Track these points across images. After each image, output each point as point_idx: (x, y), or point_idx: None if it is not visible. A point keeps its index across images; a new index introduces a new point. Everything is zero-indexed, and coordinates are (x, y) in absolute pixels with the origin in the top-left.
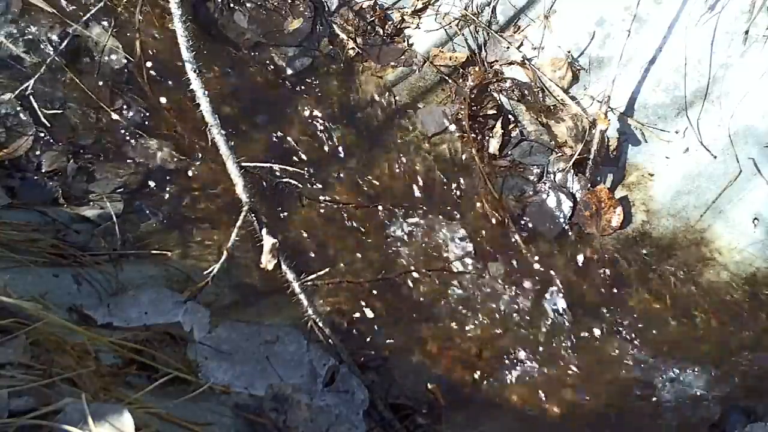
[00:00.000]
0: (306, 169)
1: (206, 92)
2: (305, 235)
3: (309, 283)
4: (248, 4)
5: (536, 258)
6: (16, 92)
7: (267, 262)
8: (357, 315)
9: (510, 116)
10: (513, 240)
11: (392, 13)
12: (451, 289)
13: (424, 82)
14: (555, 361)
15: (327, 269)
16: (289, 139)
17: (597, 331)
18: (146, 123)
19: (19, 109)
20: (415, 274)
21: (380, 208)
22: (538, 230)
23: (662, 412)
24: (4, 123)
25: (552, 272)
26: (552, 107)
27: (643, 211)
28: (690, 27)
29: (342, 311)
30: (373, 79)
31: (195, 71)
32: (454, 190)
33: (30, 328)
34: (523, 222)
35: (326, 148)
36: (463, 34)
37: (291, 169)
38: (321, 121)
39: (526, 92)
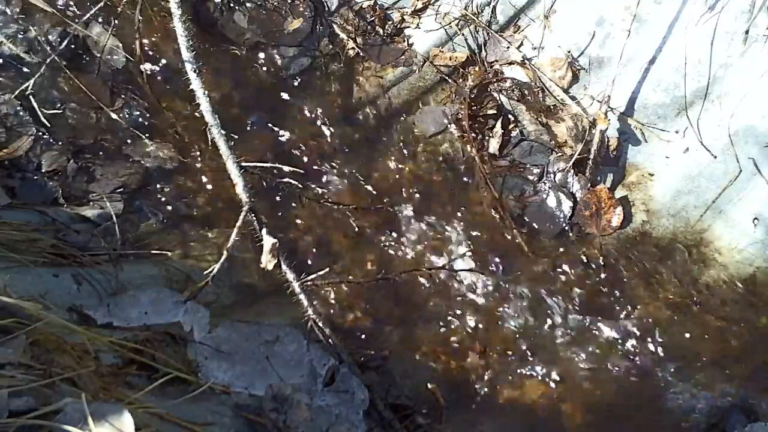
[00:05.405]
0: (306, 169)
1: (206, 92)
2: (305, 235)
3: (309, 283)
4: (248, 4)
5: (536, 258)
6: (16, 92)
7: (267, 262)
8: (357, 315)
9: (510, 116)
10: (513, 240)
11: (392, 13)
12: (450, 289)
13: (424, 82)
14: (555, 361)
15: (327, 269)
16: (289, 139)
17: (597, 331)
18: (146, 123)
19: (19, 109)
20: (415, 274)
21: (380, 208)
22: (538, 230)
23: (662, 411)
24: (4, 123)
25: (552, 272)
26: (552, 107)
27: (643, 210)
28: (690, 27)
29: (342, 311)
30: (373, 79)
31: (195, 71)
32: (454, 190)
33: (30, 328)
34: (523, 222)
35: (326, 148)
36: (463, 34)
37: (291, 169)
38: (321, 121)
39: (526, 92)
